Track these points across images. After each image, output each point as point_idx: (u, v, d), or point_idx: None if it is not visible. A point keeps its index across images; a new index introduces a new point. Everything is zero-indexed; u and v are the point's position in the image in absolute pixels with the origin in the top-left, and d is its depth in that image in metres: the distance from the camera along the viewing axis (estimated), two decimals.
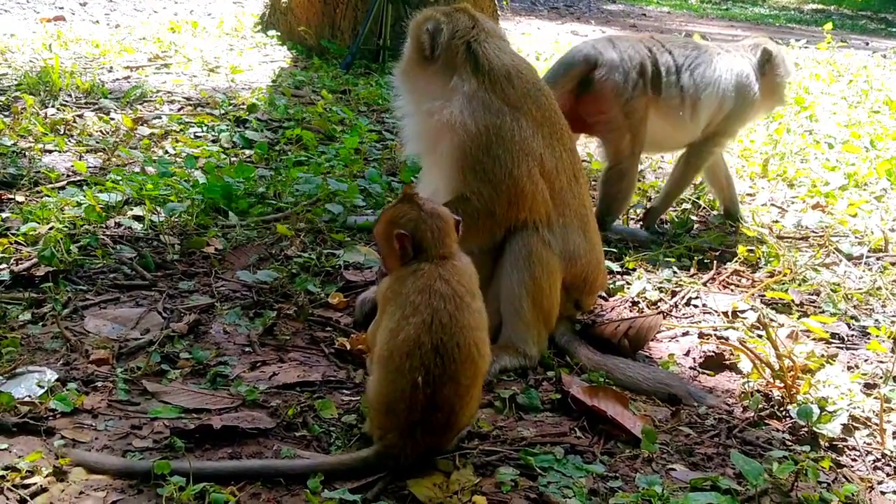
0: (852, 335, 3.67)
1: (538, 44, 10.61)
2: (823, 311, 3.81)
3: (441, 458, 2.56)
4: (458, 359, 2.43)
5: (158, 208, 4.21)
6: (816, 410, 2.92)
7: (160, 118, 5.78)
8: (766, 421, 2.98)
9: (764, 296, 3.93)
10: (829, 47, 10.85)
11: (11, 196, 4.28)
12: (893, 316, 3.84)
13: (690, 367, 3.36)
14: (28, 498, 2.27)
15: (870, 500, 2.58)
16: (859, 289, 4.08)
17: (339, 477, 2.43)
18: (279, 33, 9.01)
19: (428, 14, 3.41)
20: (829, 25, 11.59)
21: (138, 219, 4.14)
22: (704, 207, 4.90)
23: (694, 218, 4.76)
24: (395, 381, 2.43)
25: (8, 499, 2.26)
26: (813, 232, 4.75)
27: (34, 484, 2.33)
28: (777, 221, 4.89)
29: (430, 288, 2.50)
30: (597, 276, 3.50)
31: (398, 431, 2.44)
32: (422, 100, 3.38)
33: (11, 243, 3.73)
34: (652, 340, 3.50)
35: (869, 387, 3.21)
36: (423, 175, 3.63)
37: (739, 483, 2.57)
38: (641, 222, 4.71)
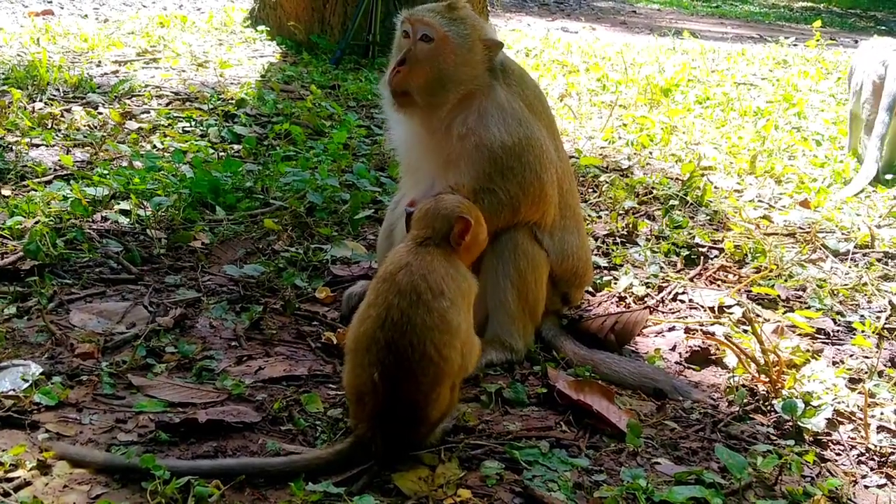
0: (838, 331, 3.68)
1: (528, 40, 10.60)
2: (809, 307, 3.83)
3: (426, 452, 2.57)
4: (412, 358, 2.41)
5: (145, 202, 4.20)
6: (801, 405, 2.94)
7: (148, 113, 5.76)
8: (751, 415, 2.99)
9: (750, 291, 3.94)
10: (817, 45, 10.88)
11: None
12: (879, 312, 3.85)
13: (676, 362, 3.37)
14: (12, 491, 2.26)
15: (853, 493, 2.59)
16: (845, 284, 4.10)
17: (319, 471, 2.43)
18: (268, 28, 8.98)
19: None
20: (818, 23, 11.61)
21: (125, 213, 4.12)
22: (692, 203, 4.91)
23: (681, 214, 4.77)
24: (359, 374, 2.46)
25: None
26: (800, 228, 4.76)
27: (18, 477, 2.32)
28: (764, 217, 4.90)
29: (393, 277, 2.50)
30: (586, 270, 3.51)
31: (367, 422, 2.45)
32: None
33: None
34: (638, 335, 3.51)
35: (854, 382, 3.23)
36: (415, 173, 3.46)
37: (724, 477, 2.58)
38: None
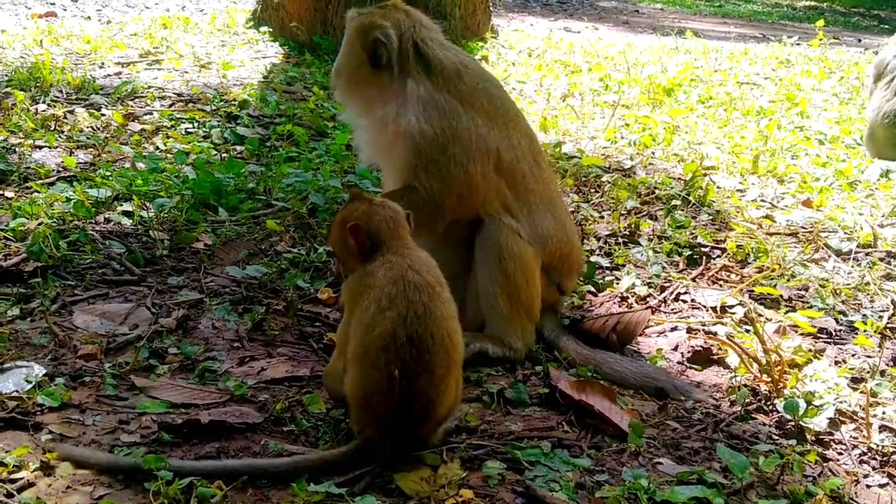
0: (840, 330, 3.68)
1: (531, 40, 10.60)
2: (812, 307, 3.82)
3: (428, 453, 2.57)
4: (432, 349, 2.45)
5: (148, 204, 4.21)
6: (803, 405, 2.94)
7: (151, 114, 5.77)
8: (753, 415, 2.99)
9: (752, 291, 3.94)
10: (820, 44, 10.86)
11: (1, 192, 4.27)
12: (881, 311, 3.85)
13: (678, 362, 3.37)
14: (15, 492, 2.27)
15: (855, 493, 2.60)
16: (847, 284, 4.10)
17: (322, 473, 2.44)
18: (271, 29, 8.99)
19: (369, 21, 3.32)
20: (821, 22, 11.59)
21: (128, 214, 4.13)
22: (694, 203, 4.91)
23: (683, 214, 4.77)
24: (370, 375, 2.45)
25: None
26: (802, 227, 4.76)
27: (21, 478, 2.33)
28: (767, 217, 4.90)
29: (404, 279, 2.52)
30: (570, 251, 3.51)
31: (375, 425, 2.45)
32: (374, 107, 3.35)
33: (0, 238, 3.72)
34: (640, 335, 3.51)
35: (856, 381, 3.22)
36: (383, 179, 3.65)
37: (726, 476, 2.58)
38: None
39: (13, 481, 2.32)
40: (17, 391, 2.71)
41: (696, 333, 3.54)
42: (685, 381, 3.19)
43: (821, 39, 10.87)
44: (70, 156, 4.82)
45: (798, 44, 11.62)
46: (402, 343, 2.43)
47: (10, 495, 2.26)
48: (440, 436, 2.63)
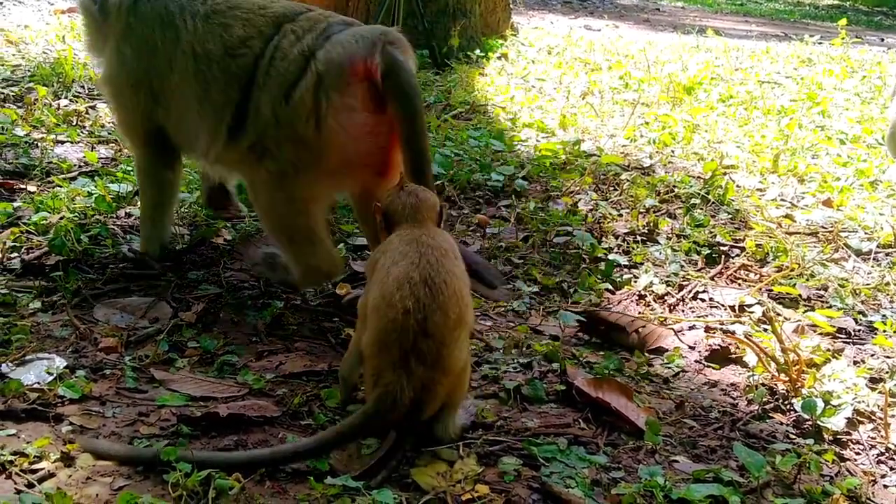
0: (859, 330, 3.66)
1: (550, 38, 10.59)
2: (831, 306, 3.81)
3: (445, 448, 2.58)
4: (445, 292, 2.53)
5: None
6: (821, 404, 2.93)
7: None
8: (771, 414, 2.99)
9: (771, 290, 3.93)
10: (843, 43, 10.80)
11: (24, 186, 4.32)
12: None
13: (696, 361, 3.37)
14: (36, 483, 2.30)
15: (873, 493, 2.59)
16: (867, 284, 4.08)
17: (351, 439, 2.51)
18: None
19: None
20: (843, 21, 11.52)
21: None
22: (713, 202, 4.89)
23: (703, 212, 4.76)
24: (386, 314, 2.51)
25: (16, 483, 2.29)
26: (822, 227, 4.74)
27: (42, 469, 2.36)
28: (787, 216, 4.88)
29: (417, 240, 2.64)
30: None
31: (392, 365, 2.48)
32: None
33: (23, 232, 3.77)
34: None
35: (874, 381, 3.21)
36: None
37: (742, 475, 2.58)
38: None
39: (34, 471, 2.34)
40: (38, 383, 2.74)
41: (713, 332, 3.54)
42: (702, 380, 3.20)
43: (843, 38, 10.80)
44: (91, 151, 4.86)
45: (820, 43, 11.56)
46: (416, 282, 2.51)
47: (31, 485, 2.28)
48: (457, 430, 2.64)
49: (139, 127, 3.58)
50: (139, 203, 3.89)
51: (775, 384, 3.14)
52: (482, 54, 8.99)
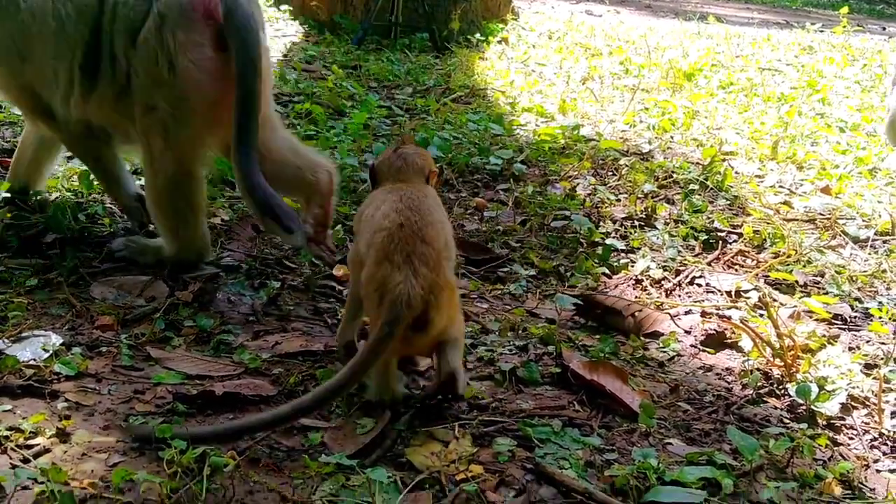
0: (855, 317, 3.67)
1: (551, 23, 10.57)
2: (827, 293, 3.81)
3: (439, 428, 2.59)
4: (430, 218, 2.65)
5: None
6: (815, 389, 2.93)
7: None
8: (765, 399, 3.00)
9: (768, 276, 3.93)
10: (844, 31, 10.78)
11: None
12: None
13: (691, 345, 3.37)
14: (31, 458, 2.30)
15: (865, 477, 2.59)
16: (864, 271, 4.08)
17: (350, 386, 2.54)
18: (291, 8, 9.00)
19: None
20: (845, 9, 11.52)
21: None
22: (712, 188, 4.89)
23: (701, 198, 4.75)
24: (382, 233, 2.60)
25: (11, 458, 2.29)
26: (820, 214, 4.74)
27: (37, 445, 2.36)
28: (785, 203, 4.88)
29: (399, 189, 2.75)
30: None
31: (398, 268, 2.53)
32: None
33: (20, 210, 3.76)
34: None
35: (869, 367, 3.22)
36: None
37: (735, 458, 2.59)
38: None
39: (29, 447, 2.35)
40: (34, 359, 2.74)
41: (709, 317, 3.54)
42: (697, 365, 3.20)
43: (844, 27, 10.79)
44: None
45: (821, 31, 11.53)
46: (404, 209, 2.64)
47: (26, 461, 2.29)
48: (464, 385, 2.72)
49: (26, 97, 3.59)
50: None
51: (770, 369, 3.14)
52: (482, 38, 8.97)
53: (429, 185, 2.89)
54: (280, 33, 8.21)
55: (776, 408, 2.95)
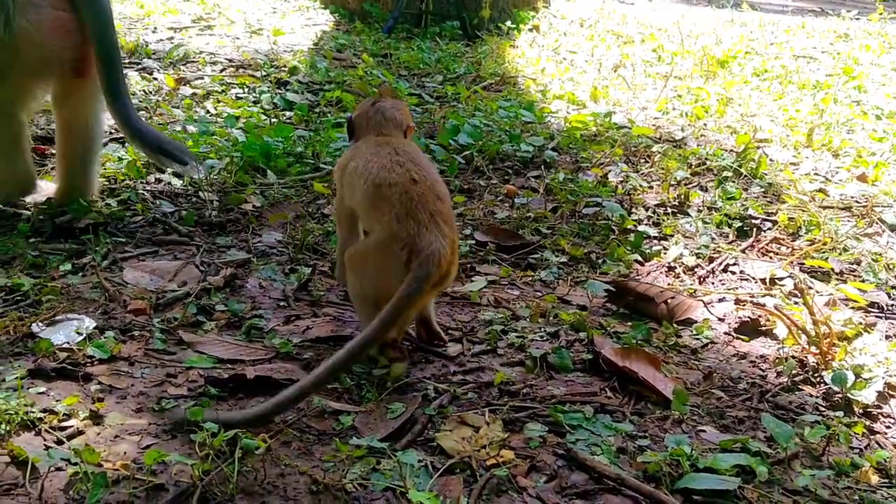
0: (892, 305, 3.61)
1: (583, 11, 10.49)
2: (863, 280, 3.75)
3: (470, 413, 2.58)
4: (436, 178, 2.73)
5: (198, 165, 4.25)
6: (851, 377, 2.89)
7: (202, 79, 5.82)
8: (800, 386, 2.95)
9: (803, 264, 3.88)
10: (880, 19, 10.62)
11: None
12: None
13: (725, 333, 3.34)
14: (65, 440, 2.32)
15: None
16: None
17: (385, 331, 2.58)
18: None
19: None
20: None
21: (178, 175, 4.18)
22: (746, 175, 4.83)
23: (735, 185, 4.70)
24: (394, 189, 2.64)
25: (45, 440, 2.31)
26: (856, 202, 4.67)
27: (71, 426, 2.38)
28: (820, 191, 4.81)
29: (387, 142, 2.80)
30: None
31: (425, 227, 2.59)
32: None
33: (53, 196, 3.79)
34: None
35: None
36: None
37: (770, 446, 2.56)
38: None
39: (63, 429, 2.37)
40: (67, 343, 2.77)
41: (743, 304, 3.50)
42: (731, 352, 3.17)
43: (881, 14, 10.62)
44: None
45: (857, 18, 11.36)
46: (404, 162, 2.69)
47: (60, 442, 2.31)
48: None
49: None
50: None
51: (805, 357, 3.10)
52: (513, 26, 8.92)
53: (407, 139, 2.94)
54: (311, 22, 8.21)
55: (811, 395, 2.91)
